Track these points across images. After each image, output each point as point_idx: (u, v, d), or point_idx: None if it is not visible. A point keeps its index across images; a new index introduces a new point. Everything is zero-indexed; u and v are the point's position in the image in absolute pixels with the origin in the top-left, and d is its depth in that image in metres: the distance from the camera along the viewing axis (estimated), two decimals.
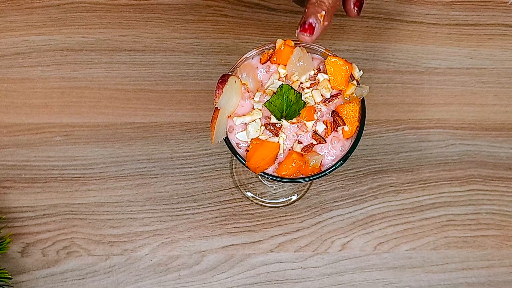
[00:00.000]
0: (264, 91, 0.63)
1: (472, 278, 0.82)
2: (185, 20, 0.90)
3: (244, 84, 0.63)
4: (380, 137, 0.86)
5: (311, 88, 0.63)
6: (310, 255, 0.81)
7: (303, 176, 0.62)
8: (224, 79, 0.59)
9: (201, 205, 0.83)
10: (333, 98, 0.63)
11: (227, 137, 0.62)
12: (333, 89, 0.63)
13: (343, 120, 0.62)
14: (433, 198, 0.84)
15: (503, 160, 0.86)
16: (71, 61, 0.87)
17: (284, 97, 0.61)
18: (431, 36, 0.91)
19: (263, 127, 0.62)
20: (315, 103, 0.63)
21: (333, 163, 0.62)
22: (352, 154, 0.62)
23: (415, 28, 0.91)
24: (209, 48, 0.89)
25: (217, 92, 0.59)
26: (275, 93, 0.61)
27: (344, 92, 0.63)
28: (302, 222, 0.83)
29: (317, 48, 0.65)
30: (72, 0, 0.90)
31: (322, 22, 0.62)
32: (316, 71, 0.64)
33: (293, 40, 0.64)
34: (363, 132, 0.62)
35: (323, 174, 0.61)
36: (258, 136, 0.62)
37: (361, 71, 0.64)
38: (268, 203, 0.84)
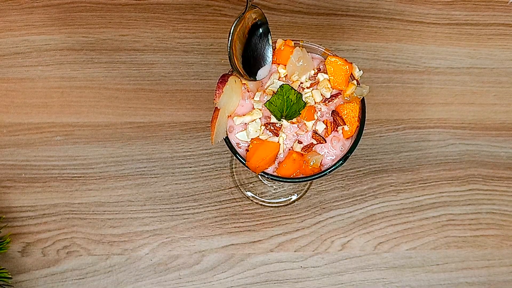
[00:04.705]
0: (264, 91, 0.63)
1: (472, 277, 0.82)
2: (185, 20, 0.90)
3: (244, 84, 0.63)
4: (380, 136, 0.86)
5: (311, 88, 0.63)
6: (310, 254, 0.81)
7: (303, 175, 0.62)
8: (224, 79, 0.59)
9: (201, 204, 0.83)
10: (333, 97, 0.63)
11: (227, 137, 0.62)
12: (333, 88, 0.63)
13: (343, 119, 0.62)
14: (433, 198, 0.84)
15: (503, 160, 0.86)
16: (71, 60, 0.87)
17: (285, 97, 0.61)
18: (431, 35, 0.91)
19: (263, 127, 0.62)
20: (315, 102, 0.63)
21: (333, 162, 0.62)
22: (352, 153, 0.62)
23: (415, 27, 0.91)
24: (209, 48, 0.89)
25: (217, 92, 0.59)
26: (275, 93, 0.61)
27: (344, 91, 0.63)
28: (302, 221, 0.83)
29: (317, 48, 0.65)
30: None
31: None
32: (316, 71, 0.64)
33: (292, 40, 0.64)
34: (363, 131, 0.62)
35: (323, 174, 0.61)
36: (258, 136, 0.62)
37: (361, 70, 0.64)
38: (268, 202, 0.84)
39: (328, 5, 0.92)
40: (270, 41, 0.63)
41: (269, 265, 0.81)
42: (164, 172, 0.84)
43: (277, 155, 0.61)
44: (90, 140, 0.84)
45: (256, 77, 0.62)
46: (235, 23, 0.58)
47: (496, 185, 0.85)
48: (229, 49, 0.59)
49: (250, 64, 0.62)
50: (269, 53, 0.63)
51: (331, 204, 0.83)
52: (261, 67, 0.63)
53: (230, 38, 0.58)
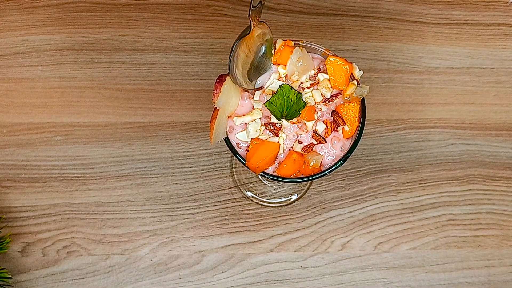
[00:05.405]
0: (264, 91, 0.63)
1: (472, 277, 0.82)
2: (185, 20, 0.90)
3: None
4: (380, 136, 0.86)
5: (311, 88, 0.63)
6: (310, 254, 0.81)
7: (303, 176, 0.62)
8: (221, 79, 0.59)
9: (201, 204, 0.83)
10: (333, 97, 0.63)
11: (227, 137, 0.62)
12: (333, 88, 0.63)
13: (343, 120, 0.62)
14: (433, 198, 0.84)
15: (503, 160, 0.86)
16: (71, 60, 0.87)
17: (285, 97, 0.61)
18: (431, 35, 0.91)
19: (263, 127, 0.62)
20: (315, 102, 0.63)
21: (333, 163, 0.62)
22: (352, 153, 0.62)
23: (415, 27, 0.91)
24: (209, 48, 0.89)
25: (215, 92, 0.59)
26: (275, 93, 0.61)
27: (344, 91, 0.63)
28: (302, 221, 0.83)
29: (317, 47, 0.65)
30: None
31: None
32: (316, 70, 0.64)
33: (292, 40, 0.64)
34: (363, 131, 0.62)
35: (323, 174, 0.61)
36: (258, 136, 0.62)
37: (361, 70, 0.64)
38: (268, 202, 0.84)
39: (328, 5, 0.92)
40: (273, 51, 0.64)
41: (269, 265, 0.81)
42: (164, 172, 0.84)
43: (277, 155, 0.61)
44: (90, 140, 0.84)
45: (255, 85, 0.63)
46: (239, 39, 0.59)
47: (496, 185, 0.85)
48: (230, 58, 0.59)
49: (251, 73, 0.63)
50: (269, 62, 0.64)
51: (331, 204, 0.83)
52: (261, 75, 0.63)
53: (232, 54, 0.59)
